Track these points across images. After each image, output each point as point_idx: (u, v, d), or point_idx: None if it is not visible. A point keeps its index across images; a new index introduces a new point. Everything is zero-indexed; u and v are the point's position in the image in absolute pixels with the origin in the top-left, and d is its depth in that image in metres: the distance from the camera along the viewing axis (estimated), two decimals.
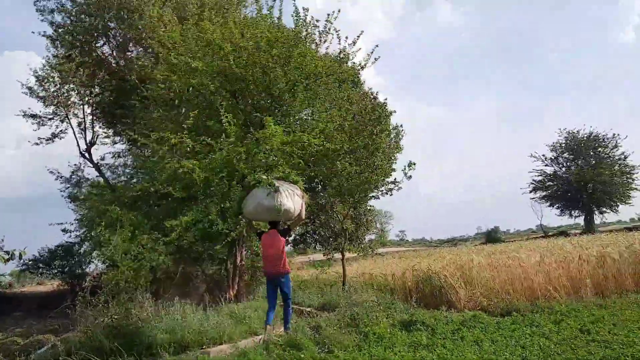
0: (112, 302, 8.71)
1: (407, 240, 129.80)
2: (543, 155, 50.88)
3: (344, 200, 13.72)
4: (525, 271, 11.56)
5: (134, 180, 15.18)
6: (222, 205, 11.67)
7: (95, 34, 19.11)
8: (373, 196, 13.05)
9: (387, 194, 12.76)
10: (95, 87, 22.07)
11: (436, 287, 11.54)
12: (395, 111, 12.68)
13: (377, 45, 12.45)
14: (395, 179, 12.58)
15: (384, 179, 12.42)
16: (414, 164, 12.42)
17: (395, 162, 12.62)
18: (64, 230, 11.56)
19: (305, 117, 12.61)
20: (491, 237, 58.32)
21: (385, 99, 12.78)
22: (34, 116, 23.40)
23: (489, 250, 17.68)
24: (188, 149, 11.22)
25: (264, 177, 8.71)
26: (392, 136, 13.07)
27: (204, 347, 8.19)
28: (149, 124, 13.32)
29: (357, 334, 8.29)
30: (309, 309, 12.33)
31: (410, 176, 12.44)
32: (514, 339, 7.70)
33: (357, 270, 16.90)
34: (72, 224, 11.61)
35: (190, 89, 12.40)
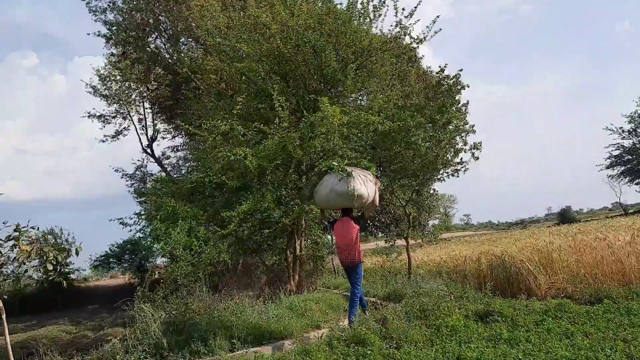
0: (171, 297, 8.42)
1: (472, 225, 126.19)
2: (620, 128, 47.24)
3: (406, 183, 12.94)
4: (614, 252, 10.37)
5: (194, 172, 15.08)
6: (279, 193, 11.24)
7: (147, 29, 19.18)
8: (438, 178, 12.17)
9: (452, 175, 11.84)
10: (152, 82, 22.33)
11: (512, 273, 10.57)
12: (468, 85, 11.61)
13: (438, 16, 11.42)
14: (462, 158, 11.64)
15: (454, 157, 11.51)
16: (480, 143, 11.44)
17: (466, 141, 11.61)
18: (123, 224, 11.49)
19: (360, 98, 11.89)
20: (565, 217, 54.70)
21: (460, 70, 11.72)
22: (99, 116, 24.09)
23: (567, 231, 16.28)
24: (240, 136, 10.82)
25: (335, 163, 8.27)
26: (464, 112, 12.08)
27: (264, 342, 7.75)
28: (202, 115, 13.09)
29: (427, 327, 7.56)
30: (373, 299, 11.71)
31: (478, 157, 11.49)
32: (611, 330, 6.70)
33: (422, 258, 16.04)
34: (132, 218, 11.53)
35: (242, 77, 12.01)
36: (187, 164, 22.06)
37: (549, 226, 40.13)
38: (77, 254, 8.18)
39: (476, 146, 11.27)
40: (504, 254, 10.92)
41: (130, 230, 11.47)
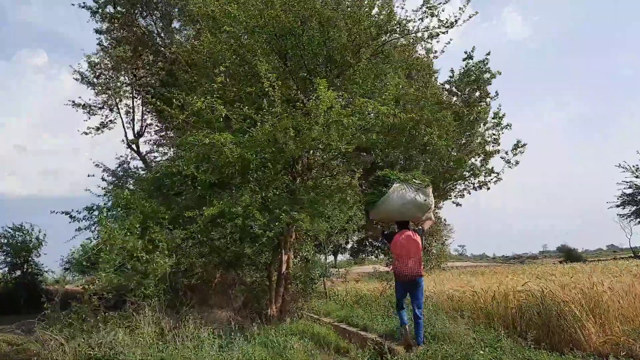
0: (90, 321, 6.14)
1: (466, 256, 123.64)
2: (634, 166, 45.07)
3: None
4: None
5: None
6: (263, 194, 9.04)
7: (137, 4, 17.19)
8: (461, 192, 9.95)
9: (480, 187, 9.65)
10: (140, 69, 20.32)
11: (553, 318, 8.27)
12: (500, 72, 9.46)
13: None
14: (492, 167, 9.46)
15: (485, 162, 9.35)
16: (523, 144, 9.26)
17: (498, 146, 9.48)
18: (71, 217, 9.22)
19: (373, 85, 9.72)
20: (572, 255, 52.11)
21: (488, 54, 9.57)
22: (84, 106, 21.97)
23: (594, 269, 14.03)
24: (221, 119, 8.64)
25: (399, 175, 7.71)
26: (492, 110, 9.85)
27: None
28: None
29: None
30: (372, 337, 9.41)
31: (517, 162, 9.35)
32: None
33: (431, 288, 13.63)
34: (80, 212, 9.27)
35: (231, 51, 9.87)
36: (165, 158, 19.68)
37: (554, 263, 37.80)
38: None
39: (517, 146, 9.09)
40: (545, 291, 8.60)
41: (79, 228, 9.19)
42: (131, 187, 13.68)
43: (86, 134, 22.38)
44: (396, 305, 7.61)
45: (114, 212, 8.71)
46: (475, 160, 9.28)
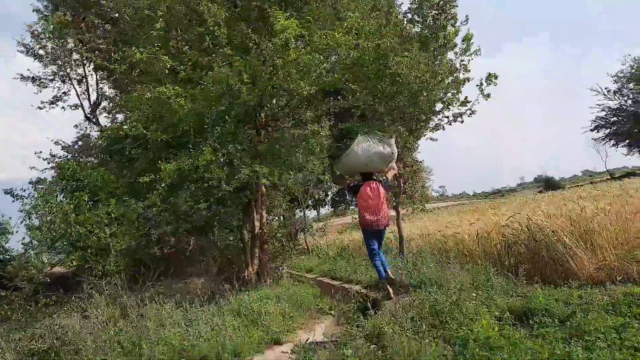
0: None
1: (447, 196, 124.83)
2: (605, 88, 44.82)
3: (396, 130, 10.04)
4: None
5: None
6: (225, 150, 8.29)
7: None
8: (437, 124, 9.24)
9: (455, 120, 8.99)
10: (85, 34, 18.82)
11: (541, 249, 7.84)
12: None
13: None
14: (466, 97, 8.78)
15: (456, 92, 8.65)
16: (496, 76, 8.59)
17: (468, 73, 8.76)
18: (12, 196, 8.31)
19: (332, 23, 8.84)
20: (550, 183, 52.47)
21: None
22: (33, 79, 20.52)
23: (578, 196, 13.70)
24: (167, 71, 7.74)
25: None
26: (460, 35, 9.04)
27: None
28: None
29: (445, 342, 4.79)
30: (357, 289, 8.93)
31: (489, 95, 8.69)
32: None
33: (411, 231, 13.17)
34: (25, 189, 8.37)
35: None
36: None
37: (535, 193, 37.97)
38: None
39: (490, 78, 8.43)
40: (530, 223, 8.12)
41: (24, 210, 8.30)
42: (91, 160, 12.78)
43: (40, 108, 21.01)
44: (371, 256, 7.53)
45: (64, 186, 7.87)
46: (446, 91, 8.57)
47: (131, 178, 7.73)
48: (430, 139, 9.91)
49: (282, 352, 5.55)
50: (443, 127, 9.10)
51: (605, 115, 45.61)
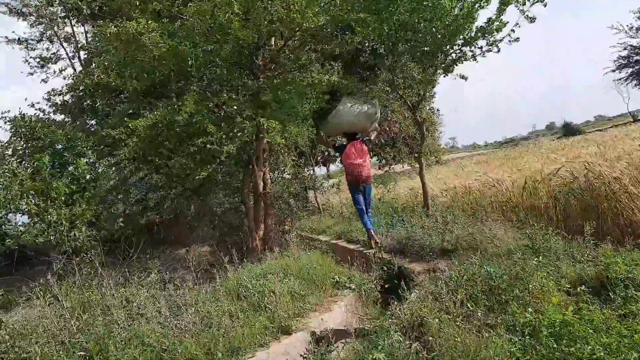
0: None
1: (458, 147, 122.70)
2: (628, 25, 42.12)
3: (419, 71, 8.62)
4: None
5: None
6: (218, 100, 6.96)
7: None
8: (469, 55, 7.74)
9: (489, 50, 7.52)
10: None
11: (600, 201, 6.51)
12: None
13: None
14: (500, 20, 7.26)
15: (501, 11, 7.16)
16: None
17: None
18: None
19: None
20: (570, 129, 50.27)
21: None
22: (19, 41, 18.96)
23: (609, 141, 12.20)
24: (136, 2, 6.32)
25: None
26: None
27: None
28: None
29: (508, 332, 3.56)
30: (371, 252, 7.73)
31: (534, 18, 7.21)
32: None
33: (435, 185, 11.80)
34: None
35: None
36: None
37: (553, 140, 36.24)
38: None
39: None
40: (587, 170, 6.74)
41: None
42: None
43: (31, 74, 19.65)
44: (359, 213, 7.51)
45: (23, 148, 6.61)
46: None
47: (104, 133, 6.45)
48: (461, 76, 8.46)
49: (292, 344, 4.37)
50: (475, 57, 7.60)
51: (628, 54, 43.14)
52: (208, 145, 6.57)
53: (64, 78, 16.00)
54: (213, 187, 9.08)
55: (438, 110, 22.43)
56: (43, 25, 18.44)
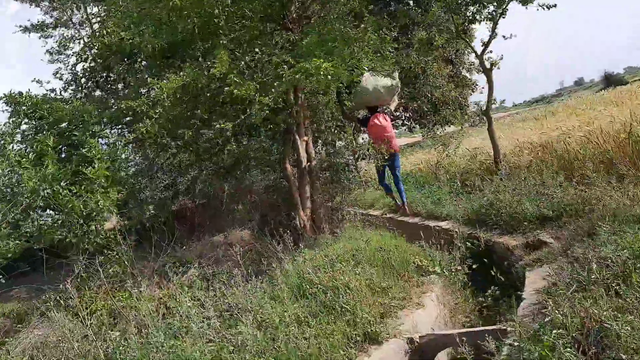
0: None
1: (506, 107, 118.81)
2: None
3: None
4: None
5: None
6: (250, 58, 5.81)
7: None
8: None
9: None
10: None
11: None
12: None
13: None
14: None
15: None
16: None
17: None
18: None
19: None
20: (613, 80, 47.20)
21: None
22: (36, 26, 18.00)
23: None
24: None
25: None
26: None
27: None
28: None
29: None
30: (449, 226, 6.55)
31: None
32: None
33: (501, 142, 10.20)
34: None
35: None
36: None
37: (594, 93, 33.97)
38: None
39: None
40: None
41: None
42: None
43: (51, 62, 18.78)
44: (379, 180, 8.29)
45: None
46: None
47: (119, 105, 5.37)
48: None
49: (386, 357, 3.28)
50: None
51: None
52: (241, 115, 5.47)
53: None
54: (249, 163, 7.98)
55: (478, 67, 20.80)
56: (57, 11, 17.48)
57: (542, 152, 7.46)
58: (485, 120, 16.27)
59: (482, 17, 7.87)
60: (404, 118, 20.82)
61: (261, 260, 5.50)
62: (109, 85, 6.50)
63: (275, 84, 5.29)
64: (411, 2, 14.12)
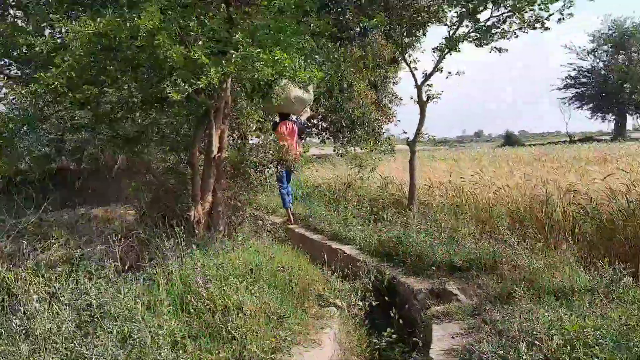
0: None
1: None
2: (580, 47, 43.42)
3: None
4: None
5: None
6: (183, 20, 5.08)
7: None
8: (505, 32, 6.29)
9: (535, 26, 6.16)
10: None
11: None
12: None
13: None
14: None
15: None
16: None
17: None
18: None
19: None
20: (511, 139, 50.68)
21: None
22: None
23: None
24: None
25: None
26: None
27: None
28: None
29: None
30: (353, 252, 6.20)
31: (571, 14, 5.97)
32: None
33: (397, 176, 10.19)
34: None
35: None
36: None
37: (494, 148, 36.24)
38: None
39: None
40: (629, 189, 5.48)
41: None
42: None
43: None
44: (281, 188, 8.32)
45: None
46: None
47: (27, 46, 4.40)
48: (499, 49, 7.06)
49: None
50: (525, 30, 6.17)
51: (576, 75, 44.35)
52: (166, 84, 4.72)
53: None
54: (152, 138, 7.15)
55: (400, 98, 21.21)
56: None
57: (456, 196, 7.40)
58: (394, 152, 16.45)
59: (417, 48, 7.76)
60: (320, 128, 20.65)
61: (142, 252, 4.77)
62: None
63: (223, 62, 4.62)
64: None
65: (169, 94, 4.65)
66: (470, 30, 6.64)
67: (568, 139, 43.43)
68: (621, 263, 3.95)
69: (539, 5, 5.93)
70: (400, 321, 4.38)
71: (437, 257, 5.14)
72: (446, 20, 7.01)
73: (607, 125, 47.36)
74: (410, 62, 7.44)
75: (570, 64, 44.33)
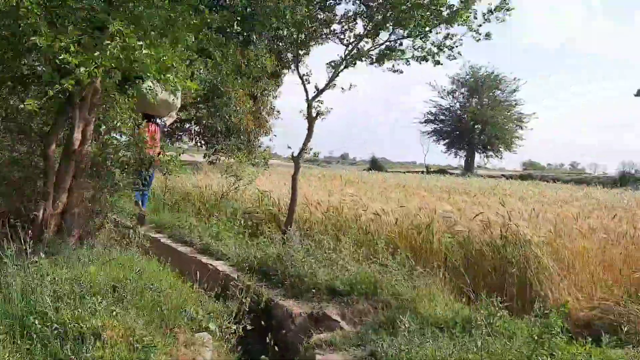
0: None
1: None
2: (442, 86, 47.91)
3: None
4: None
5: None
6: None
7: None
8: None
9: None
10: None
11: (508, 267, 5.57)
12: None
13: None
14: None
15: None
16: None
17: None
18: None
19: None
20: (377, 164, 53.62)
21: None
22: None
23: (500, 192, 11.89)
24: None
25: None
26: None
27: None
28: None
29: None
30: (226, 269, 5.74)
31: (488, 35, 6.25)
32: None
33: (272, 190, 9.93)
34: None
35: None
36: None
37: (363, 170, 37.88)
38: None
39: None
40: (506, 226, 5.75)
41: None
42: None
43: None
44: (142, 191, 8.16)
45: None
46: None
47: None
48: (452, 57, 6.96)
49: None
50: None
51: (436, 112, 48.69)
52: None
53: None
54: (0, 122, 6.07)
55: (278, 112, 21.24)
56: None
57: (337, 217, 7.29)
58: (268, 167, 16.24)
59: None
60: (193, 132, 19.80)
61: None
62: None
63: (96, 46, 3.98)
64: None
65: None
66: (371, 49, 6.66)
67: (425, 170, 47.07)
68: (491, 293, 4.06)
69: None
70: (276, 348, 4.06)
71: (318, 279, 4.91)
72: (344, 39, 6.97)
73: (458, 161, 52.36)
74: (304, 74, 7.23)
75: (433, 100, 48.77)
